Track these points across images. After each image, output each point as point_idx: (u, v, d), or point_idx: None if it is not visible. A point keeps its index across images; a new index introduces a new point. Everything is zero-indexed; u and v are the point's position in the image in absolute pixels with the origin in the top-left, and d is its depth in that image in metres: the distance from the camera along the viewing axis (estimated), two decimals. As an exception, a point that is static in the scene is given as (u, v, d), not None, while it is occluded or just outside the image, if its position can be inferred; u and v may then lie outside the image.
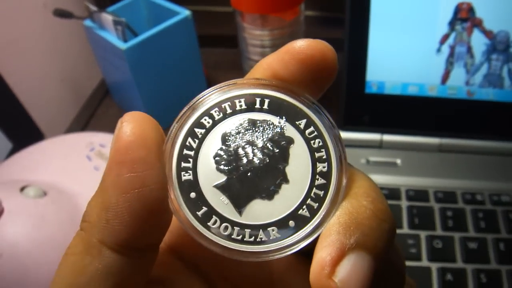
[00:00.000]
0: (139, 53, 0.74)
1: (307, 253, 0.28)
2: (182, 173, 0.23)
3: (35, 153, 0.71)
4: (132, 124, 0.22)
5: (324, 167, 0.24)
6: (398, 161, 0.70)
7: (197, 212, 0.23)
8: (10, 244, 0.53)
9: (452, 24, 0.66)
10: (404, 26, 0.67)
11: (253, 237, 0.23)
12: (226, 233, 0.23)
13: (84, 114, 0.93)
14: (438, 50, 0.67)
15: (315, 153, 0.24)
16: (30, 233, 0.55)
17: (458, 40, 0.66)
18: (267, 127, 0.24)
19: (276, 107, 0.24)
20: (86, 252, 0.22)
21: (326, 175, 0.24)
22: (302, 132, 0.24)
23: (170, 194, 0.23)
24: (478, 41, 0.66)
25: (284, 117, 0.24)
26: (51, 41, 0.98)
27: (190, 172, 0.23)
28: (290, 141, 0.24)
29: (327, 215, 0.23)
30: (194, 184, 0.23)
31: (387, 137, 0.71)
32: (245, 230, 0.23)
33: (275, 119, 0.24)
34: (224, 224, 0.23)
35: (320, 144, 0.24)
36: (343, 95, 0.71)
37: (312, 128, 0.24)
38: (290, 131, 0.24)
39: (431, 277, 0.56)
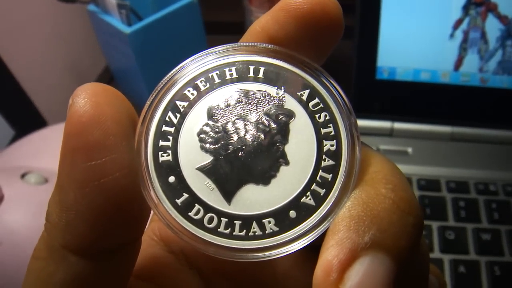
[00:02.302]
0: (143, 37, 0.72)
1: (317, 246, 0.26)
2: (160, 153, 0.19)
3: (37, 140, 0.70)
4: (84, 100, 0.18)
5: (332, 145, 0.20)
6: (409, 149, 0.68)
7: (176, 200, 0.19)
8: (10, 231, 0.52)
9: (466, 8, 0.64)
10: (416, 11, 0.65)
11: (245, 231, 0.19)
12: (211, 226, 0.19)
13: (87, 101, 0.92)
14: (451, 35, 0.65)
15: (321, 129, 0.20)
16: (31, 221, 0.54)
17: (472, 25, 0.64)
18: (262, 99, 0.20)
19: (273, 76, 0.20)
20: (50, 258, 0.18)
21: (335, 155, 0.20)
22: (305, 105, 0.20)
23: (144, 178, 0.19)
24: (493, 27, 0.64)
25: (283, 87, 0.20)
26: (55, 27, 0.97)
27: (170, 152, 0.19)
28: (291, 114, 0.20)
29: (337, 204, 0.19)
30: (173, 166, 0.19)
31: (398, 125, 0.69)
32: (235, 222, 0.19)
33: (272, 90, 0.20)
34: (208, 215, 0.19)
35: (327, 118, 0.20)
36: (353, 81, 0.69)
37: (316, 100, 0.20)
38: (290, 103, 0.20)
39: (443, 269, 0.55)
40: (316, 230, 0.19)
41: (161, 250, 0.24)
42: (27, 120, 0.88)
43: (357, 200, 0.18)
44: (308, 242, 0.19)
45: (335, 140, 0.20)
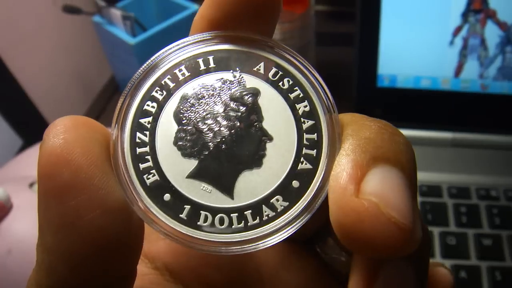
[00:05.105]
0: (148, 48, 0.73)
1: (303, 241, 0.25)
2: (145, 176, 0.19)
3: (44, 149, 0.70)
4: (53, 139, 0.17)
5: (305, 106, 0.20)
6: (411, 156, 0.68)
7: (180, 216, 0.18)
8: (19, 240, 0.53)
9: (465, 15, 0.64)
10: (416, 18, 0.66)
11: (258, 218, 0.19)
12: (224, 226, 0.19)
13: (93, 110, 0.93)
14: (451, 42, 0.66)
15: (289, 94, 0.20)
16: (39, 229, 0.54)
17: (471, 32, 0.65)
18: (222, 86, 0.20)
19: (225, 61, 0.20)
20: None
21: (312, 115, 0.20)
22: (264, 77, 0.20)
23: (140, 207, 0.18)
24: (492, 33, 0.65)
25: (237, 68, 0.20)
26: (61, 38, 0.98)
27: (154, 172, 0.19)
28: (255, 92, 0.20)
29: (332, 158, 0.19)
30: (164, 185, 0.19)
31: (399, 132, 0.69)
32: (245, 213, 0.19)
33: (228, 75, 0.20)
34: (218, 217, 0.19)
35: (291, 82, 0.20)
36: (355, 89, 0.70)
37: (274, 69, 0.20)
38: (250, 81, 0.20)
39: (445, 274, 0.55)
40: (324, 189, 0.19)
41: (146, 268, 0.24)
42: (34, 129, 0.89)
43: (346, 137, 0.19)
44: (321, 201, 0.19)
45: (306, 101, 0.20)
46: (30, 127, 0.88)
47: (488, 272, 0.55)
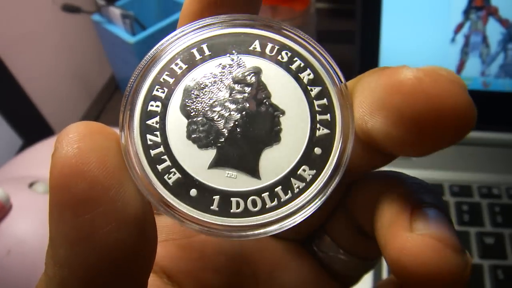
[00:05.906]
0: (147, 46, 0.73)
1: (299, 240, 0.25)
2: (165, 177, 0.18)
3: (44, 149, 0.70)
4: (66, 148, 0.16)
5: (309, 74, 0.20)
6: (412, 154, 0.68)
7: (211, 208, 0.18)
8: (19, 240, 0.53)
9: (466, 12, 0.64)
10: (417, 16, 0.65)
11: (290, 191, 0.18)
12: (257, 208, 0.18)
13: (94, 109, 0.93)
14: (453, 39, 0.65)
15: (290, 66, 0.20)
16: (39, 229, 0.54)
17: (473, 29, 0.65)
18: (223, 71, 0.19)
19: (219, 46, 0.20)
20: None
21: (317, 81, 0.19)
22: (262, 54, 0.20)
23: (169, 208, 0.18)
24: (494, 30, 0.64)
25: (234, 51, 0.20)
26: (60, 37, 0.98)
27: (174, 170, 0.18)
28: (257, 70, 0.20)
29: (346, 117, 0.19)
30: (187, 181, 0.18)
31: (401, 130, 0.69)
32: (276, 190, 0.18)
33: (226, 59, 0.20)
34: (250, 200, 0.18)
35: (289, 54, 0.20)
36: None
37: (270, 45, 0.20)
38: (249, 61, 0.20)
39: (447, 273, 0.55)
40: (347, 148, 0.19)
41: None
42: (34, 129, 0.89)
43: (362, 79, 0.18)
44: (348, 158, 0.19)
45: (308, 69, 0.20)
46: (30, 127, 0.88)
47: (490, 270, 0.54)
